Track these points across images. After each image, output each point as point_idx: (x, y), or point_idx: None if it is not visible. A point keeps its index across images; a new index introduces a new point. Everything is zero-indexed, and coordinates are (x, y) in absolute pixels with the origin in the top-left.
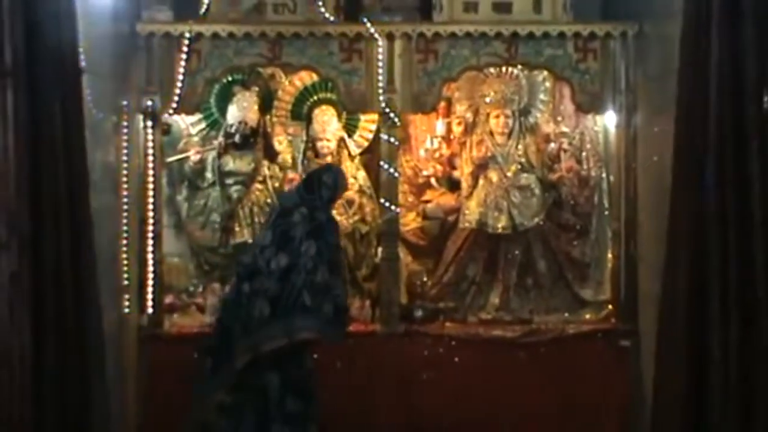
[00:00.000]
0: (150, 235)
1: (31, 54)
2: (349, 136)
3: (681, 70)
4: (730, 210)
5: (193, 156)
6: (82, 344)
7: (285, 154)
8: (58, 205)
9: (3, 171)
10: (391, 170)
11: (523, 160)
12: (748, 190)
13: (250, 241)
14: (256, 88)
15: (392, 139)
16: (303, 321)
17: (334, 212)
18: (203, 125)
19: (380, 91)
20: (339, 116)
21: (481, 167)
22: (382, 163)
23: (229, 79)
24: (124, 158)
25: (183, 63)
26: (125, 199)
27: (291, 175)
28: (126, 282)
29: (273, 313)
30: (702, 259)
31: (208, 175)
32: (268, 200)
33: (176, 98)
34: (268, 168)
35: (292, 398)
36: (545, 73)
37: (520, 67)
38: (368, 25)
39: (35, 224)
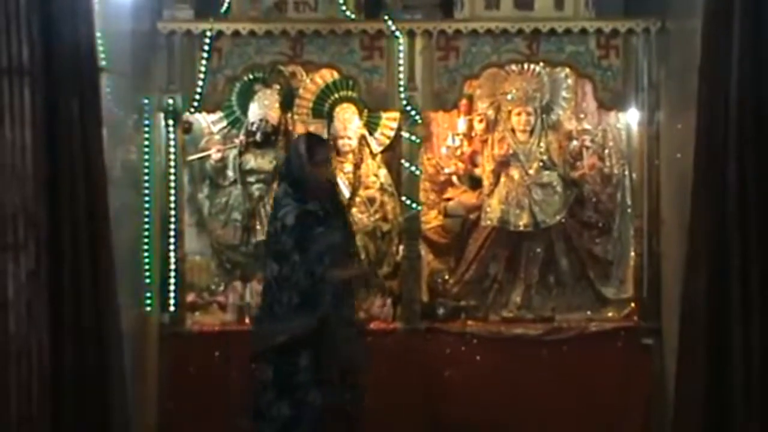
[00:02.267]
0: (172, 233)
1: (48, 52)
2: (371, 134)
3: (702, 66)
4: (750, 208)
5: (215, 154)
6: (100, 343)
7: None
8: (76, 204)
9: (20, 171)
10: (413, 168)
11: (545, 157)
12: None
13: None
14: (278, 86)
15: (413, 137)
16: (252, 333)
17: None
18: (224, 123)
19: (401, 88)
20: (360, 114)
21: (502, 165)
22: (403, 161)
23: (251, 77)
24: (146, 157)
25: (204, 61)
26: (147, 198)
27: None
28: (148, 280)
29: None
30: (723, 256)
31: (230, 173)
32: None
33: (197, 96)
34: None
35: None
36: (567, 70)
37: (541, 64)
38: (389, 22)
39: (53, 224)
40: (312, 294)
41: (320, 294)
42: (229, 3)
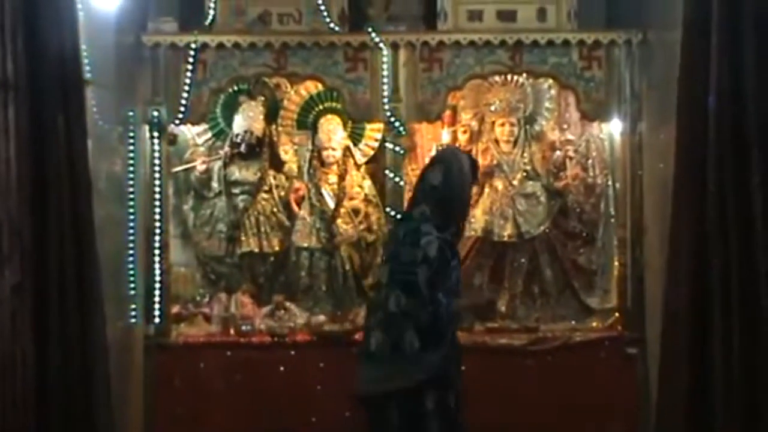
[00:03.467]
0: (156, 244)
1: (32, 66)
2: (355, 145)
3: (681, 77)
4: (730, 216)
5: (200, 166)
6: (86, 355)
7: (291, 164)
8: (61, 216)
9: (5, 184)
10: (397, 179)
11: (528, 168)
12: (749, 197)
13: (256, 250)
14: (262, 98)
15: (398, 148)
16: (366, 372)
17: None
18: (209, 135)
19: (385, 100)
20: (344, 125)
21: (486, 175)
22: (387, 171)
23: (235, 89)
24: (131, 168)
25: (189, 73)
26: (132, 209)
27: (297, 184)
28: (133, 292)
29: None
30: (704, 266)
31: (215, 184)
32: (274, 209)
33: (182, 108)
34: (274, 177)
35: None
36: (550, 81)
37: (524, 75)
38: (373, 34)
39: (38, 236)
40: (434, 333)
41: (444, 332)
42: (214, 15)
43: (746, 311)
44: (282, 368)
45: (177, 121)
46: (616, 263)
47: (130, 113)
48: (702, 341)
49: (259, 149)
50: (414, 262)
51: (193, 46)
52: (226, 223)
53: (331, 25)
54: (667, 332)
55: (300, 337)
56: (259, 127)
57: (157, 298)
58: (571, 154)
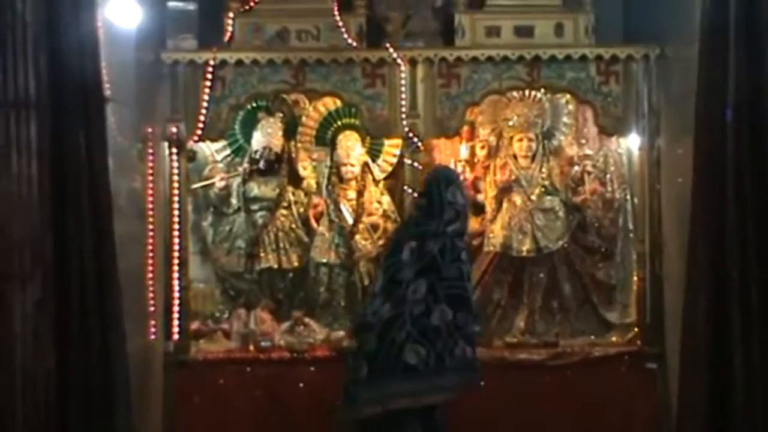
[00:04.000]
0: (176, 261)
1: (54, 84)
2: (373, 160)
3: (699, 92)
4: (749, 230)
5: (219, 182)
6: (107, 371)
7: (309, 180)
8: (81, 233)
9: (27, 200)
10: (415, 194)
11: (546, 183)
12: None
13: (275, 266)
14: (281, 114)
15: (416, 164)
16: (403, 385)
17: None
18: (228, 152)
19: (403, 116)
20: (363, 141)
21: (505, 190)
22: (406, 187)
23: (254, 105)
24: (150, 185)
25: (207, 90)
26: (151, 226)
27: (316, 200)
28: (152, 308)
29: (370, 373)
30: (723, 280)
31: (234, 201)
32: (293, 225)
33: (201, 125)
34: (293, 193)
35: None
36: (568, 96)
37: (542, 90)
38: (391, 50)
39: (59, 253)
40: (474, 341)
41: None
42: (232, 33)
43: (766, 325)
44: (301, 384)
45: (196, 138)
46: (635, 278)
47: (150, 130)
48: (721, 356)
49: (278, 165)
50: (461, 277)
51: (211, 63)
52: (245, 239)
53: (349, 41)
54: (687, 346)
55: (319, 353)
56: (277, 143)
57: (176, 315)
58: (589, 168)
